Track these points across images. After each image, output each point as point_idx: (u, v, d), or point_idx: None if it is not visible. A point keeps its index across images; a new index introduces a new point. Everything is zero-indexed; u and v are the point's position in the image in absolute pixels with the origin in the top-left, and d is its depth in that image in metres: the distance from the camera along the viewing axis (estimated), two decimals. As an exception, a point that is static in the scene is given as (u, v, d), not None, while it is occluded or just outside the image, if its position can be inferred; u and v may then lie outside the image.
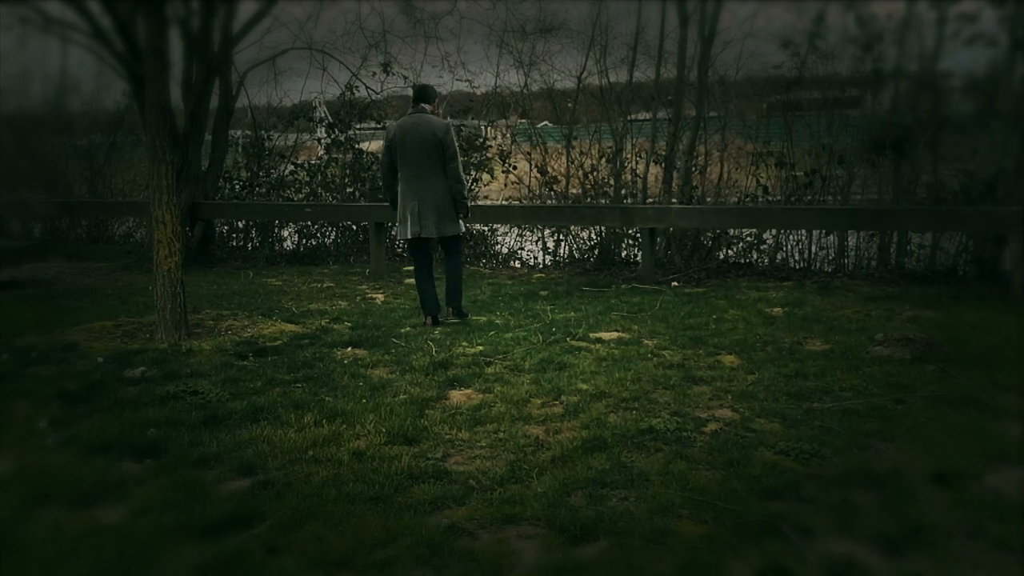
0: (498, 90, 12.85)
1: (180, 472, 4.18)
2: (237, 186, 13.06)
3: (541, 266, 11.43)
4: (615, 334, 6.92)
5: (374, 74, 13.20)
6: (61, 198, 13.65)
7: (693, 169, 9.98)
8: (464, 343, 6.71)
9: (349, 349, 6.61)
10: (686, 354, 6.25)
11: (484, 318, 7.72)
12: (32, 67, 13.78)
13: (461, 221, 7.22)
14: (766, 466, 4.13)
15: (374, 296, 9.27)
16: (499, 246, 12.20)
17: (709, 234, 9.99)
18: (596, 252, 10.98)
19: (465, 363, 6.12)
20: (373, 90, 13.28)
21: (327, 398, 5.35)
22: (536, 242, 11.91)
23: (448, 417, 4.95)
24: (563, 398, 5.29)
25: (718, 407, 5.10)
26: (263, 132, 13.28)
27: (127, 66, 10.76)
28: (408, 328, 7.32)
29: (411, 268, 11.03)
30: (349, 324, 7.50)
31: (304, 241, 12.63)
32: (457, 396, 5.41)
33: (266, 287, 9.79)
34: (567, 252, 11.56)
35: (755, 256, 9.94)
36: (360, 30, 13.48)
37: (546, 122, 13.14)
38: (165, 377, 5.82)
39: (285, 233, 12.96)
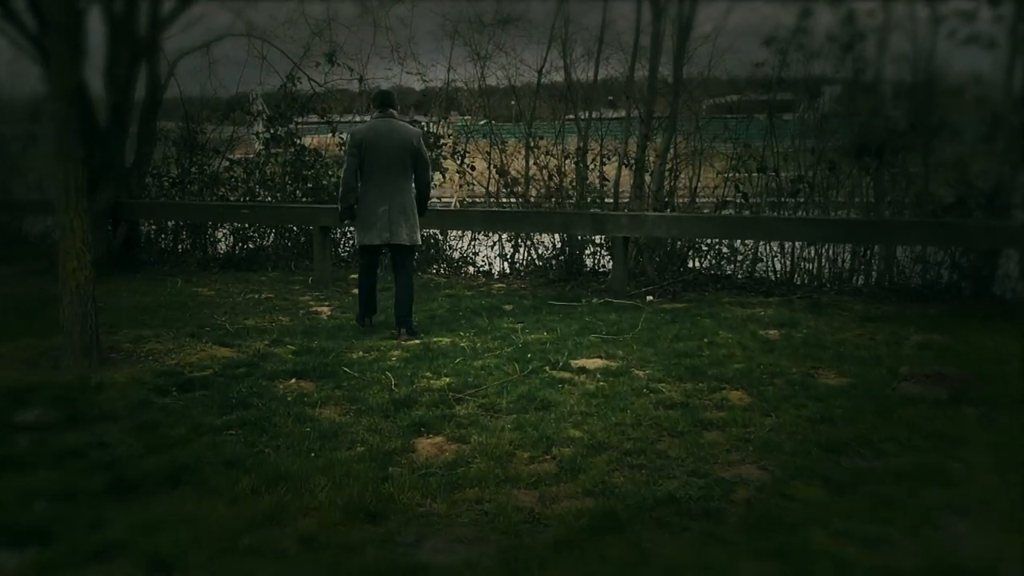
0: (452, 84, 11.85)
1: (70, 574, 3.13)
2: (166, 183, 11.82)
3: (499, 274, 10.46)
4: (599, 361, 6.01)
5: (317, 65, 12.07)
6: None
7: (667, 174, 9.12)
8: (428, 373, 5.73)
9: (293, 381, 5.58)
10: (686, 389, 5.36)
11: (447, 339, 6.74)
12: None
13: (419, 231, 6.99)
14: (827, 556, 3.23)
15: (319, 309, 8.22)
16: (452, 251, 11.21)
17: (681, 243, 9.14)
18: (560, 260, 10.05)
19: (431, 400, 5.14)
20: (316, 82, 12.16)
21: (267, 450, 4.34)
22: (492, 247, 10.93)
23: (418, 480, 3.97)
24: (554, 450, 4.35)
25: (740, 462, 4.22)
26: (195, 125, 12.06)
27: (40, 48, 9.54)
28: (361, 352, 6.30)
29: (354, 275, 10.04)
30: (292, 347, 6.45)
31: (240, 244, 11.45)
32: (426, 447, 4.44)
33: (196, 298, 8.65)
34: (527, 258, 10.61)
35: (731, 267, 9.11)
36: (303, 17, 12.34)
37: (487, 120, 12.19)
38: (66, 422, 4.73)
39: (219, 235, 11.75)
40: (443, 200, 11.63)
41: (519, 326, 7.28)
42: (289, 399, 5.17)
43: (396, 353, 6.30)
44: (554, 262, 10.27)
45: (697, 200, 9.23)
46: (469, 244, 11.01)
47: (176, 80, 11.72)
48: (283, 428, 4.65)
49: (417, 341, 6.66)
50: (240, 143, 13.00)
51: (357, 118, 12.96)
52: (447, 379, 5.58)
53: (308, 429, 4.64)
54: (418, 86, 12.42)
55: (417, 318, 7.57)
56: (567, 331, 6.97)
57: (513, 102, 11.74)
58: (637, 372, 5.75)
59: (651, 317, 7.46)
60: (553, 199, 10.00)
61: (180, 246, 11.76)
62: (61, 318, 5.91)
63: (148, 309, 7.99)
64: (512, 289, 9.25)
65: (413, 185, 6.90)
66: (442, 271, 10.67)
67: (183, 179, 11.71)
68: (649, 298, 8.44)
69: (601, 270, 9.68)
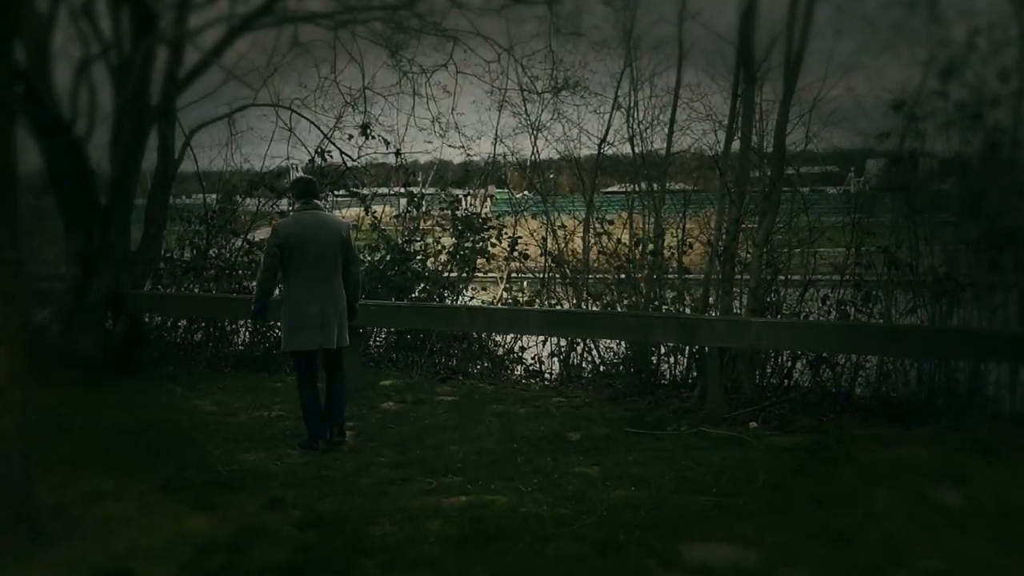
0: (499, 158, 10.21)
1: None
2: (179, 269, 10.21)
3: (554, 380, 8.62)
4: (724, 551, 4.13)
5: (350, 137, 10.53)
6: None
7: (764, 264, 7.29)
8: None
9: (287, 589, 3.76)
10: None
11: (503, 497, 4.90)
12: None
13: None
14: None
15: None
16: (496, 346, 9.42)
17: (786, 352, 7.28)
18: (629, 367, 8.21)
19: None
20: (348, 156, 10.59)
21: None
22: (544, 342, 9.10)
23: None
24: None
25: None
26: (219, 203, 10.51)
27: (32, 116, 8.05)
28: (388, 526, 4.47)
29: (388, 382, 8.29)
30: (295, 513, 4.64)
31: (258, 340, 9.75)
32: None
33: (193, 416, 6.92)
34: (586, 360, 8.79)
35: (850, 383, 7.20)
36: (335, 86, 10.80)
37: (526, 192, 10.46)
38: None
39: (239, 326, 10.05)
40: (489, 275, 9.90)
41: (595, 472, 5.44)
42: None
43: (436, 526, 4.46)
44: (621, 368, 8.44)
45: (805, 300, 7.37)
46: (515, 338, 9.21)
47: (193, 153, 10.23)
48: None
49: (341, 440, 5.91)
50: (265, 221, 11.43)
51: (391, 190, 11.43)
52: (511, 586, 3.74)
53: None
54: (458, 159, 10.82)
55: (462, 452, 5.80)
56: (663, 486, 5.10)
57: (565, 176, 10.09)
58: (786, 576, 3.86)
59: (768, 462, 5.57)
60: (623, 297, 8.19)
61: (193, 338, 10.12)
62: (-23, 479, 4.17)
63: (127, 436, 6.25)
64: (574, 405, 7.40)
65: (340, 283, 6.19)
66: (484, 373, 8.88)
67: (197, 264, 10.09)
68: (752, 424, 6.56)
69: (678, 379, 7.81)
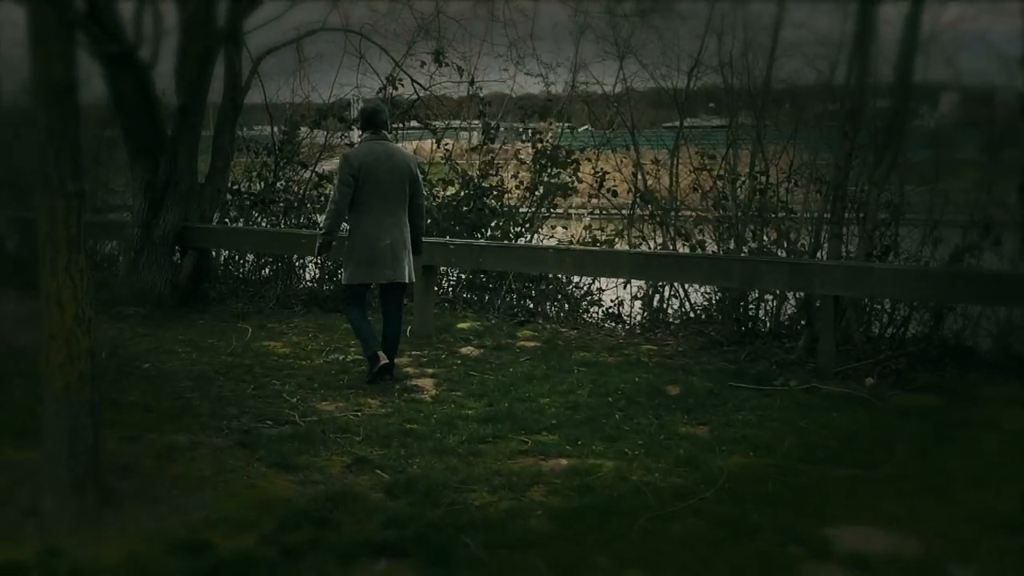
0: (579, 87, 9.48)
1: None
2: (247, 202, 9.79)
3: (640, 326, 8.04)
4: (879, 538, 3.55)
5: (422, 65, 9.90)
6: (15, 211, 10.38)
7: (880, 204, 6.55)
8: (602, 557, 3.38)
9: (383, 566, 3.30)
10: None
11: (609, 462, 4.39)
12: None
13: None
14: None
15: (421, 384, 5.98)
16: (571, 287, 8.84)
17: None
18: (719, 312, 7.59)
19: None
20: (420, 84, 9.97)
21: None
22: (623, 283, 8.49)
23: None
24: None
25: None
26: (283, 133, 10.01)
27: (95, 40, 7.57)
28: (486, 492, 4.00)
29: (466, 325, 7.80)
30: (383, 476, 4.19)
31: (327, 277, 9.33)
32: None
33: (265, 359, 6.51)
34: (674, 305, 8.18)
35: (972, 336, 6.50)
36: (408, 9, 10.13)
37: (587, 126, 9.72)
38: None
39: (307, 262, 9.61)
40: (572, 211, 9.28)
41: (704, 434, 4.90)
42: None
43: (539, 495, 3.97)
44: (709, 312, 7.83)
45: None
46: (594, 279, 8.61)
47: (260, 81, 9.72)
48: None
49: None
50: (334, 153, 10.90)
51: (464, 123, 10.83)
52: (638, 572, 3.23)
53: None
54: (536, 90, 10.10)
55: (554, 406, 5.31)
56: (786, 452, 4.54)
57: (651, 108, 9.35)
58: None
59: (899, 426, 4.96)
60: (724, 238, 7.51)
61: (260, 274, 9.74)
62: (42, 435, 3.78)
63: (198, 379, 5.88)
64: (666, 355, 6.83)
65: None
66: (563, 316, 8.34)
67: (265, 197, 9.65)
68: (869, 381, 5.93)
69: (776, 328, 7.16)
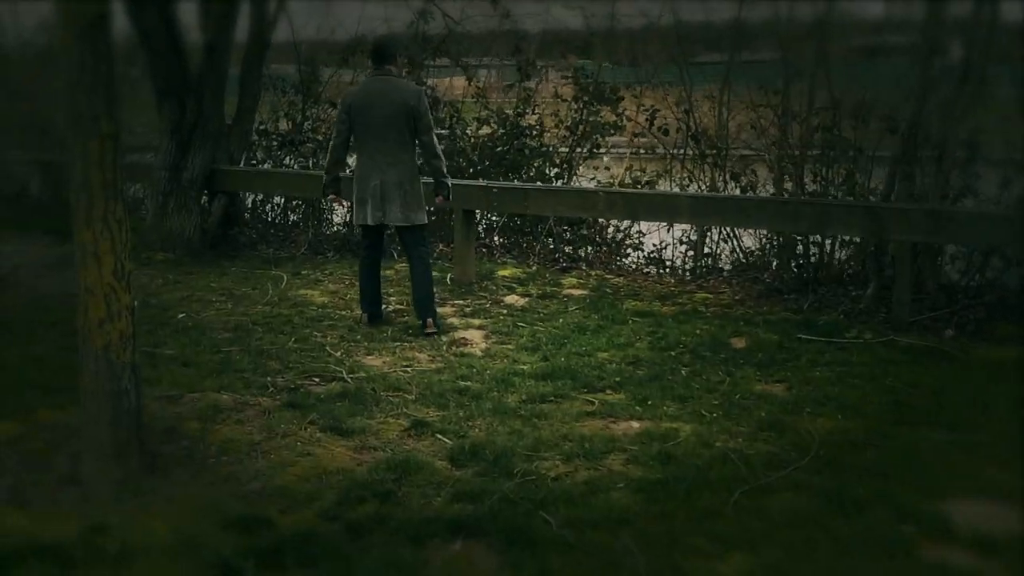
0: (616, 21, 8.93)
1: None
2: (275, 143, 9.39)
3: (690, 271, 7.66)
4: (997, 512, 3.21)
5: (453, -5, 9.36)
6: (38, 154, 10.02)
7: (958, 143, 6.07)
8: (702, 540, 3.05)
9: (457, 548, 2.99)
10: None
11: (686, 425, 4.05)
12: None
13: (424, 211, 5.73)
14: None
15: (468, 336, 5.65)
16: (612, 231, 8.44)
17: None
18: (777, 257, 7.19)
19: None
20: (451, 18, 9.42)
21: None
22: (666, 227, 8.07)
23: None
24: None
25: None
26: (309, 71, 9.54)
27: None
28: (559, 462, 3.67)
29: (507, 272, 7.44)
30: (445, 441, 3.87)
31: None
32: None
33: (304, 310, 6.19)
34: (724, 248, 7.76)
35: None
36: (438, -63, 9.55)
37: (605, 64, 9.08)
38: None
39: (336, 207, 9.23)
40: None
41: (782, 392, 4.56)
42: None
43: (617, 464, 3.64)
44: (763, 257, 7.42)
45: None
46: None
47: (289, 17, 9.24)
48: None
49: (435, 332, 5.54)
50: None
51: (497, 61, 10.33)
52: (741, 554, 2.91)
53: None
54: (573, 23, 9.54)
55: (614, 361, 4.97)
56: (876, 414, 4.19)
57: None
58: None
59: (992, 384, 4.59)
60: (781, 180, 7.07)
61: (289, 218, 9.39)
62: (81, 396, 3.47)
63: (238, 332, 5.57)
64: (723, 304, 6.46)
65: (416, 155, 5.66)
66: (604, 260, 7.96)
67: (294, 138, 9.24)
68: (948, 332, 5.55)
69: (847, 278, 6.76)
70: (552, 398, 4.48)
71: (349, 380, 4.68)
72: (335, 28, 9.93)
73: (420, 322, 5.68)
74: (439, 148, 5.70)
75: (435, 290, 6.76)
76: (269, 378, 4.65)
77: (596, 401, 4.42)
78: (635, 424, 4.11)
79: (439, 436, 3.90)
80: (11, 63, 10.65)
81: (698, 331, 5.71)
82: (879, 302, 6.09)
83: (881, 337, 5.43)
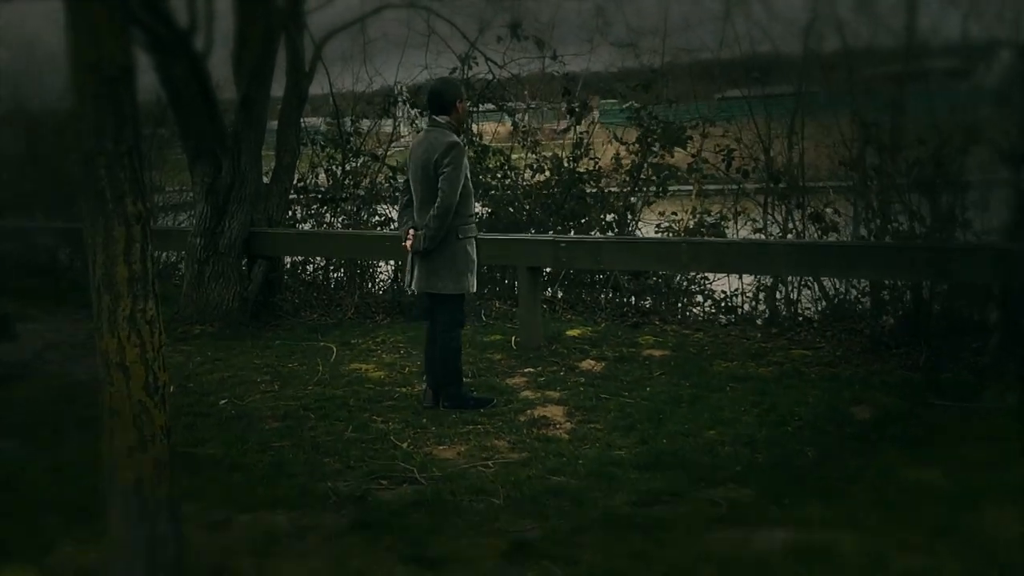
0: (678, 54, 8.26)
1: None
2: (315, 200, 8.76)
3: (777, 323, 6.84)
4: None
5: (499, 40, 8.74)
6: (67, 222, 9.45)
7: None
8: None
9: None
10: None
11: (849, 539, 3.25)
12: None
13: (457, 279, 4.93)
14: None
15: (548, 413, 4.91)
16: (680, 279, 7.65)
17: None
18: (875, 304, 6.37)
19: None
20: (494, 62, 8.80)
21: None
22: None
23: None
24: None
25: None
26: (351, 121, 8.95)
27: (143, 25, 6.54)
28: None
29: (576, 332, 6.69)
30: (556, 565, 3.09)
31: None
32: None
33: (359, 388, 5.47)
34: (805, 296, 6.97)
35: None
36: (482, -21, 9.00)
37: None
38: None
39: (383, 265, 8.55)
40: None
41: (939, 479, 3.75)
42: None
43: None
44: (861, 308, 6.61)
45: None
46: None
47: (325, 67, 8.66)
48: None
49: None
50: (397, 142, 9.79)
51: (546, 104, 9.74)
52: None
53: None
54: (628, 62, 8.86)
55: (726, 443, 4.21)
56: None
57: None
58: None
59: None
60: (868, 218, 6.28)
61: (332, 280, 8.71)
62: (109, 536, 2.75)
63: (288, 421, 4.85)
64: (825, 361, 5.68)
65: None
66: (666, 307, 7.25)
67: (335, 195, 8.62)
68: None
69: (962, 325, 5.92)
70: (667, 498, 3.71)
71: (423, 481, 3.94)
72: (373, 77, 9.38)
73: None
74: (448, 200, 4.77)
75: (500, 357, 6.11)
76: (330, 483, 3.92)
77: (721, 501, 3.64)
78: (780, 534, 3.32)
79: (546, 563, 3.13)
80: (37, 126, 10.16)
81: (810, 399, 4.93)
82: (1006, 356, 5.26)
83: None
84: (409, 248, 4.99)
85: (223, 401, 5.27)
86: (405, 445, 4.45)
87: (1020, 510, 3.38)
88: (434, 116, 4.97)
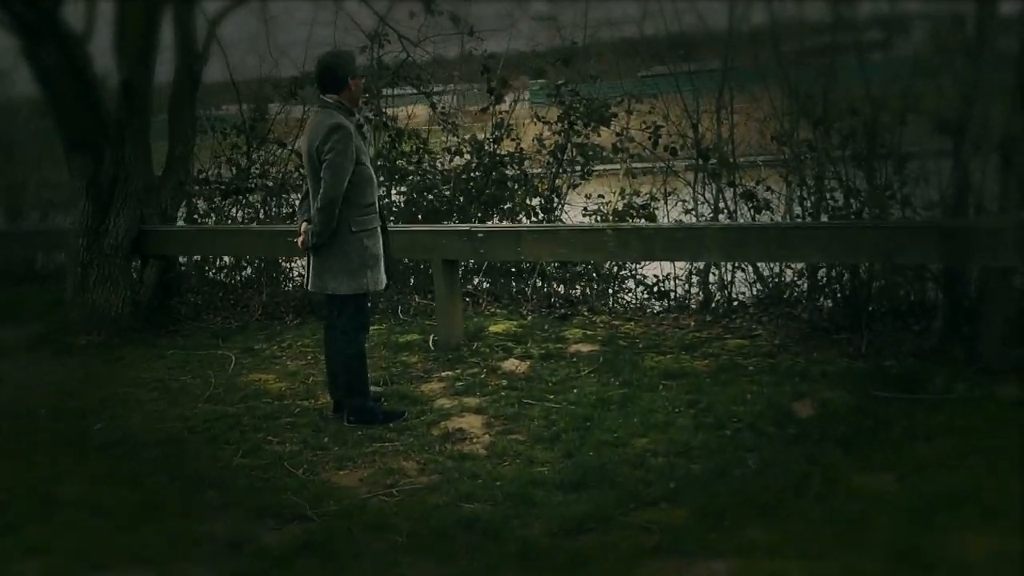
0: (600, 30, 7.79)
1: None
2: (217, 193, 8.07)
3: (712, 311, 6.43)
4: None
5: (412, 15, 8.13)
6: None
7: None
8: None
9: None
10: None
11: (790, 566, 2.82)
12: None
13: (353, 277, 4.36)
14: None
15: (465, 425, 4.42)
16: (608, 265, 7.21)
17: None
18: (811, 286, 6.01)
19: None
20: (408, 39, 8.19)
21: None
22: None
23: None
24: None
25: None
26: (253, 109, 8.27)
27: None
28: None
29: (500, 328, 6.20)
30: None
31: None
32: None
33: (255, 404, 4.91)
34: (739, 279, 6.59)
35: None
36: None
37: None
38: None
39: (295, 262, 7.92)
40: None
41: (892, 486, 3.36)
42: None
43: None
44: (798, 291, 6.24)
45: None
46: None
47: (222, 48, 7.96)
48: None
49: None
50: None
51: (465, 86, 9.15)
52: None
53: None
54: (551, 39, 8.34)
55: (660, 453, 3.77)
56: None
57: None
58: None
59: None
60: (804, 197, 5.90)
61: (239, 278, 8.04)
62: None
63: (168, 447, 4.27)
64: (763, 351, 5.25)
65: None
66: (596, 294, 6.82)
67: (239, 186, 7.94)
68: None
69: (903, 307, 5.58)
70: (592, 524, 3.25)
71: (314, 518, 3.41)
72: (278, 59, 8.69)
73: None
74: (332, 192, 4.24)
75: (416, 359, 5.59)
76: (206, 525, 3.36)
77: (653, 527, 3.19)
78: (719, 566, 2.88)
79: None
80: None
81: (748, 395, 4.52)
82: (951, 339, 4.93)
83: (975, 388, 4.26)
84: (300, 245, 4.44)
85: (98, 426, 4.66)
86: (300, 472, 3.91)
87: (992, 526, 2.99)
88: (322, 95, 4.39)
